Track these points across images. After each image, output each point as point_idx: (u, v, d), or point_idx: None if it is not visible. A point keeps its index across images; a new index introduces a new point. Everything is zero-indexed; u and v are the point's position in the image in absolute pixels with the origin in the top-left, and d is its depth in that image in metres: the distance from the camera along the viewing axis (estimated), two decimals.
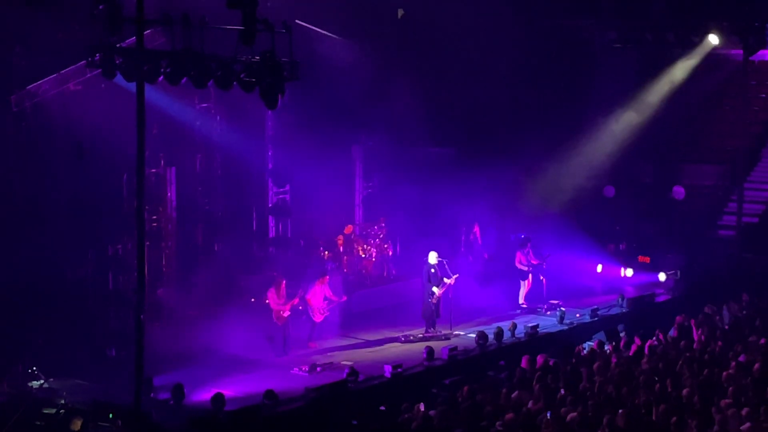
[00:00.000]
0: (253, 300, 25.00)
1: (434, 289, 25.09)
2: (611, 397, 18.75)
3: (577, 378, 20.06)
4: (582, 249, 30.44)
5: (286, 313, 23.48)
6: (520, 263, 27.65)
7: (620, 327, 25.88)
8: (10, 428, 19.31)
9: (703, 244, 31.20)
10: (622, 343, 22.56)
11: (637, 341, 22.55)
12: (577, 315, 26.69)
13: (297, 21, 24.51)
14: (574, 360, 21.70)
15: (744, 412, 17.36)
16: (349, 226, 29.35)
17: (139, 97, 16.45)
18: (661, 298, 28.59)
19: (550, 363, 21.05)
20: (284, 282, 23.78)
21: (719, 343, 22.00)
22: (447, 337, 24.87)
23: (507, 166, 30.74)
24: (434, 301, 25.18)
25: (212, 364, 22.59)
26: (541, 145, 31.09)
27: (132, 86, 17.36)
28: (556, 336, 25.14)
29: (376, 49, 29.71)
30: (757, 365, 20.11)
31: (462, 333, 25.24)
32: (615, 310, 27.35)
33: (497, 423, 17.09)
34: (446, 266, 25.63)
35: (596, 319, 26.57)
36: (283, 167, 28.83)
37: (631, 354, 21.75)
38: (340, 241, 28.67)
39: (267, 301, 23.63)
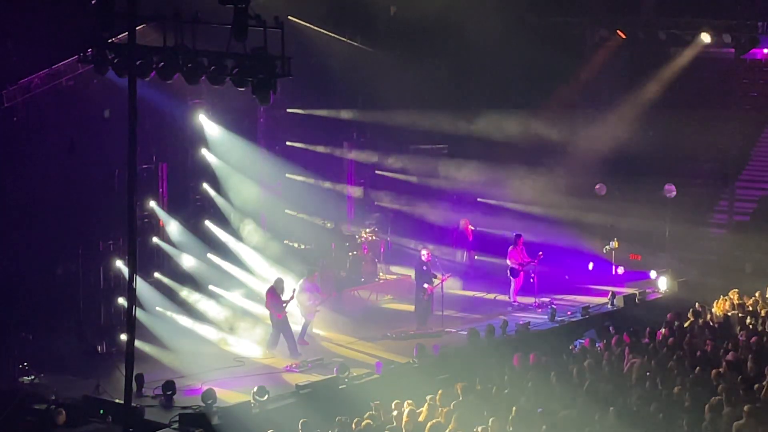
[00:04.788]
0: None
1: (425, 286, 25.12)
2: (602, 394, 18.78)
3: (568, 376, 20.09)
4: (573, 246, 30.50)
5: (284, 313, 23.44)
6: (512, 260, 27.66)
7: (609, 324, 25.83)
8: (1, 424, 19.31)
9: (695, 242, 31.23)
10: (613, 341, 22.57)
11: (628, 339, 22.56)
12: (568, 312, 26.70)
13: (289, 17, 24.50)
14: (565, 357, 21.73)
15: (734, 410, 17.41)
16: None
17: (131, 92, 16.40)
18: (652, 296, 28.61)
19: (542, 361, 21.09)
20: (282, 283, 23.78)
21: (709, 341, 22.03)
22: (438, 334, 24.87)
23: (498, 162, 30.78)
24: (425, 297, 25.21)
25: (203, 360, 22.62)
26: (533, 141, 31.10)
27: (124, 82, 17.34)
28: (547, 333, 25.15)
29: (368, 46, 29.71)
30: (747, 363, 20.16)
31: (453, 330, 25.24)
32: (606, 308, 27.37)
33: None
34: (438, 263, 25.65)
35: (587, 316, 26.58)
36: (274, 163, 28.83)
37: (621, 351, 21.74)
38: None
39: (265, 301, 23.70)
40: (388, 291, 28.70)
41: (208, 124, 26.59)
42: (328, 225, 29.88)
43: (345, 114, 30.10)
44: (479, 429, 17.10)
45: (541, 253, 27.83)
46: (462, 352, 23.21)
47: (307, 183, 29.72)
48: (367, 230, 29.65)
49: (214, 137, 26.75)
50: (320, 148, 29.62)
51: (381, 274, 29.27)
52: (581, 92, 32.50)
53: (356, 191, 31.61)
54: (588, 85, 32.52)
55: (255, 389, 19.87)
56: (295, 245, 28.94)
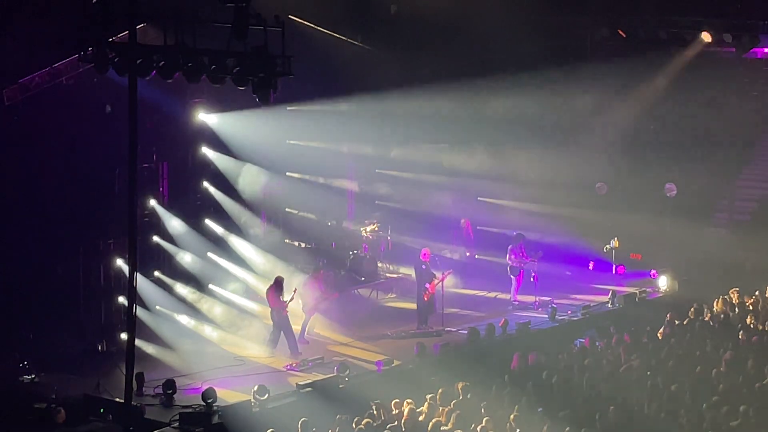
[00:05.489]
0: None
1: (426, 285, 25.12)
2: (602, 393, 18.79)
3: (568, 375, 20.09)
4: (574, 246, 30.49)
5: (285, 312, 23.45)
6: (512, 259, 27.65)
7: (609, 323, 25.84)
8: (1, 422, 19.31)
9: (695, 241, 31.21)
10: (613, 340, 22.58)
11: (628, 338, 22.58)
12: (569, 312, 26.70)
13: (290, 16, 24.49)
14: (565, 357, 21.71)
15: (734, 409, 17.43)
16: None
17: (132, 91, 16.41)
18: (653, 296, 28.61)
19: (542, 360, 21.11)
20: (283, 282, 23.78)
21: (709, 340, 22.04)
22: (438, 333, 24.86)
23: (500, 161, 30.76)
24: (426, 297, 25.21)
25: (204, 359, 22.63)
26: (534, 141, 31.09)
27: (124, 80, 17.34)
28: (548, 333, 25.14)
29: (369, 45, 29.70)
30: (748, 362, 20.17)
31: (453, 329, 25.24)
32: (606, 307, 27.35)
33: None
34: (438, 262, 25.66)
35: (587, 316, 26.58)
36: (275, 162, 28.82)
37: (622, 351, 21.75)
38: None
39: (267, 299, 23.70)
40: (391, 289, 28.75)
41: (209, 117, 26.50)
42: (330, 223, 29.92)
43: (345, 112, 30.05)
44: (479, 428, 17.13)
45: (540, 252, 27.83)
46: (462, 351, 23.21)
47: (307, 181, 29.71)
48: (368, 228, 29.68)
49: (216, 125, 26.61)
50: (321, 146, 29.58)
51: (382, 273, 29.30)
52: (582, 90, 32.42)
53: (357, 189, 31.58)
54: (589, 84, 32.44)
55: (255, 388, 19.88)
56: (296, 244, 28.97)
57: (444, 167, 31.31)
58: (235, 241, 27.07)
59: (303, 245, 29.02)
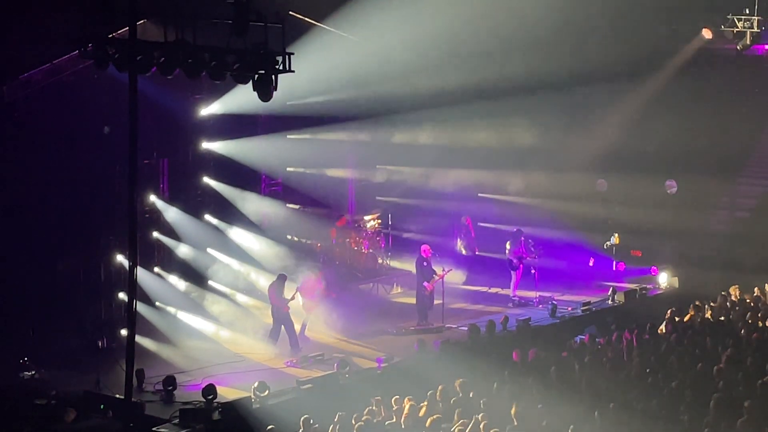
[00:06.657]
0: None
1: (425, 284, 25.12)
2: (603, 390, 18.78)
3: (568, 371, 20.08)
4: (574, 242, 30.47)
5: (286, 309, 23.46)
6: (512, 255, 27.65)
7: (610, 320, 25.85)
8: (2, 419, 19.32)
9: (695, 238, 31.22)
10: (613, 337, 22.57)
11: (628, 335, 22.57)
12: (569, 308, 26.70)
13: (291, 13, 24.47)
14: (565, 353, 21.71)
15: (735, 406, 17.41)
16: (343, 218, 29.30)
17: (132, 87, 16.43)
18: (653, 292, 28.62)
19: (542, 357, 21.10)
20: (285, 279, 23.80)
21: (709, 337, 22.03)
22: (439, 330, 24.87)
23: (500, 158, 30.75)
24: (426, 293, 25.22)
25: (204, 355, 22.64)
26: (534, 138, 31.05)
27: (125, 77, 17.35)
28: (548, 329, 25.14)
29: (368, 40, 29.66)
30: (748, 359, 20.16)
31: (454, 326, 25.24)
32: (607, 304, 27.36)
33: None
34: (439, 258, 25.66)
35: (588, 312, 26.58)
36: (275, 158, 28.82)
37: (622, 347, 21.75)
38: (333, 234, 28.68)
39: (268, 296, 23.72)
40: (393, 284, 28.78)
41: (212, 107, 26.49)
42: (330, 218, 29.97)
43: (345, 108, 30.02)
44: (480, 426, 17.12)
45: (540, 248, 27.82)
46: (462, 347, 23.18)
47: (307, 176, 29.71)
48: (369, 223, 29.68)
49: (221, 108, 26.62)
50: (321, 140, 29.57)
51: (383, 269, 29.31)
52: (582, 88, 32.38)
53: (357, 184, 31.57)
54: (588, 80, 32.39)
55: (255, 384, 19.88)
56: (296, 239, 28.98)
57: (445, 160, 31.25)
58: (237, 235, 27.07)
59: (303, 241, 29.01)
